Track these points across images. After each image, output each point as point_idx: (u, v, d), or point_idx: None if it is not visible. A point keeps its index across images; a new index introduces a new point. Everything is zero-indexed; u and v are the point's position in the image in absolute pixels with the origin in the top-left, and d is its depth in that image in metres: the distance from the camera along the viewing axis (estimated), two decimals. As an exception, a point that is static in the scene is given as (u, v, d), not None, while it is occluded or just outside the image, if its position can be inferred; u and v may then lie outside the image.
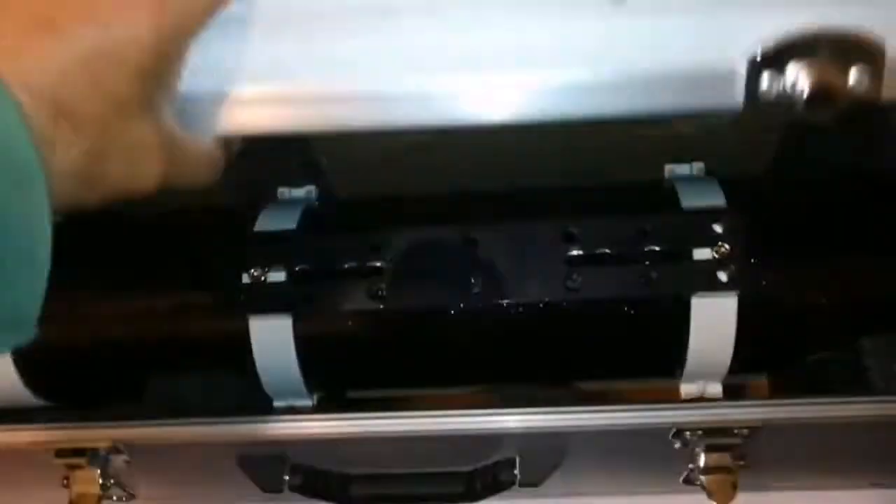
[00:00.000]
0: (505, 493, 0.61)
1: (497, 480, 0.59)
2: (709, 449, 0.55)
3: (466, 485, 0.61)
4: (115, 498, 0.61)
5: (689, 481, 0.60)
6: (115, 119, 0.32)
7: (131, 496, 0.62)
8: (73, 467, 0.57)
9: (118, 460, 0.58)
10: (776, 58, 0.38)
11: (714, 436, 0.55)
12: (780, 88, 0.38)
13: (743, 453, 0.56)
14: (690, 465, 0.56)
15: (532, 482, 0.58)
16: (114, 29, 0.32)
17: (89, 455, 0.56)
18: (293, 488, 0.60)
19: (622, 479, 0.66)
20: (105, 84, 0.32)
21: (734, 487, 0.55)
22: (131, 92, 0.33)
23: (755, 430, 0.53)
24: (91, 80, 0.31)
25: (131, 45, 0.32)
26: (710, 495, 0.55)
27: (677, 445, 0.56)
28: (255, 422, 0.57)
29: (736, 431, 0.53)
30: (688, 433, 0.55)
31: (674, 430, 0.55)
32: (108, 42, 0.32)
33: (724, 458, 0.56)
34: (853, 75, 0.38)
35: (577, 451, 0.59)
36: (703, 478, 0.56)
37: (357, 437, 0.57)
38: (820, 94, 0.38)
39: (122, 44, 0.32)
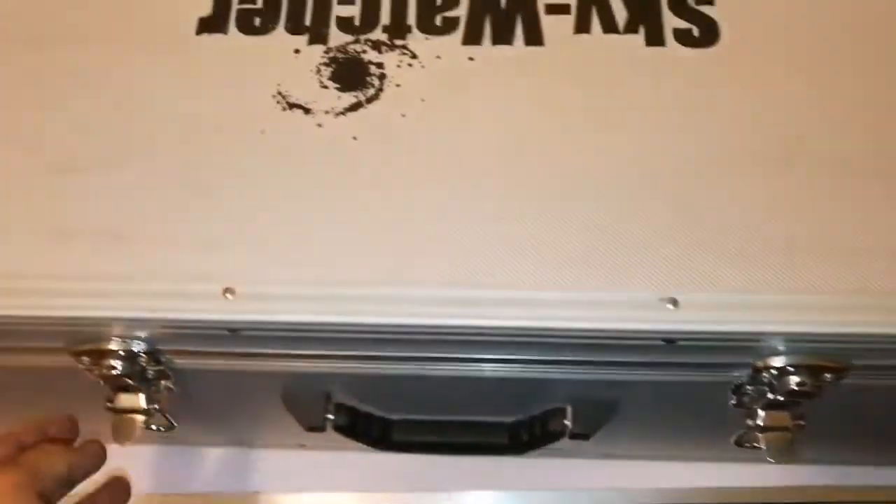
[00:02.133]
0: (548, 450, 0.59)
1: (546, 431, 0.58)
2: (768, 406, 0.54)
3: (512, 435, 0.59)
4: (154, 427, 0.60)
5: (741, 443, 0.59)
6: None
7: (171, 426, 0.61)
8: (119, 389, 0.56)
9: (163, 385, 0.57)
10: None
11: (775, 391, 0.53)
12: None
13: (802, 412, 0.54)
14: (749, 422, 0.55)
15: (584, 433, 0.57)
16: None
17: (137, 378, 0.55)
18: (336, 428, 0.59)
19: (670, 440, 0.65)
20: None
21: (793, 447, 0.54)
22: None
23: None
24: None
25: None
26: (768, 453, 0.54)
27: (733, 402, 0.55)
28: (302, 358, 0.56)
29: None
30: (748, 388, 0.53)
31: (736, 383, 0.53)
32: None
33: (783, 418, 0.54)
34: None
35: (630, 404, 0.57)
36: (760, 436, 0.54)
37: (402, 377, 0.55)
38: None
39: None
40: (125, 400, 0.57)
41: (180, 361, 0.55)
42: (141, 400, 0.57)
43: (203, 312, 0.50)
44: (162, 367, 0.55)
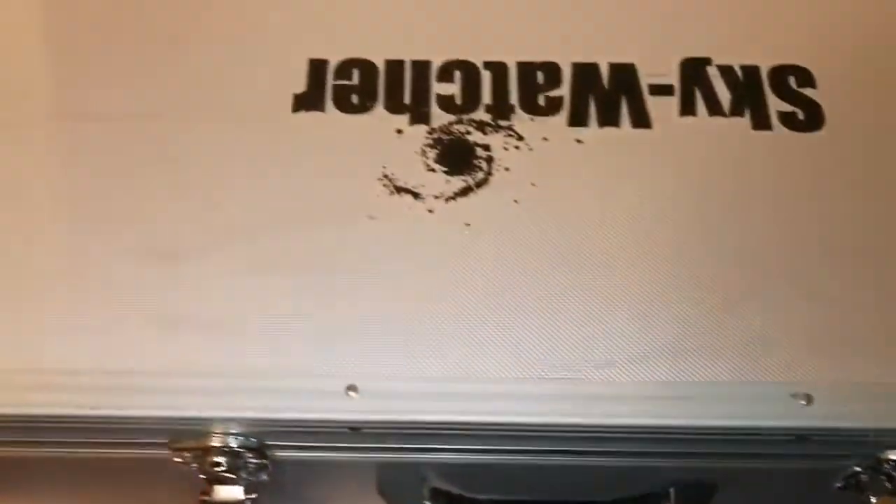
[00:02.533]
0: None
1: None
2: (881, 492, 0.53)
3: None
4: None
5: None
6: None
7: (263, 516, 0.59)
8: (216, 481, 0.54)
9: (261, 477, 0.55)
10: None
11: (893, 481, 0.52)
12: None
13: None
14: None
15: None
16: None
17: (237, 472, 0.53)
18: (432, 513, 0.57)
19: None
20: None
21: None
22: None
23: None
24: None
25: None
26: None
27: (839, 485, 0.54)
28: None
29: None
30: (863, 476, 0.53)
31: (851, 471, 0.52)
32: None
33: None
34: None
35: (732, 486, 0.56)
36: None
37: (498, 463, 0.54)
38: None
39: None
40: (222, 492, 0.55)
41: (282, 454, 0.53)
42: (238, 492, 0.55)
43: (326, 412, 0.48)
44: (265, 461, 0.53)
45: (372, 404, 0.48)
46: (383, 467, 0.56)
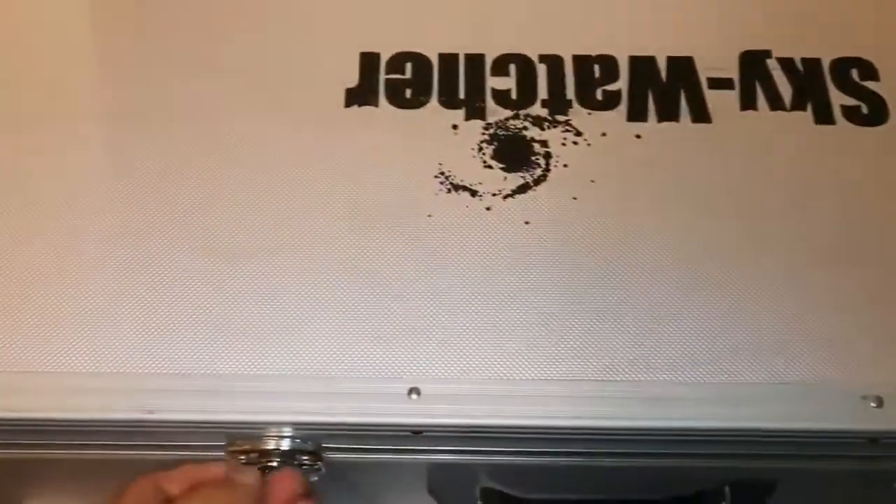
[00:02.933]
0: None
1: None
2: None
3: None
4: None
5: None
6: None
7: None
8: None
9: (314, 478, 0.54)
10: None
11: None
12: None
13: None
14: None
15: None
16: None
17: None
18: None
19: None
20: None
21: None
22: None
23: None
24: None
25: None
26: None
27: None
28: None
29: None
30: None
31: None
32: None
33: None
34: None
35: (790, 484, 0.55)
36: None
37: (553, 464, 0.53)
38: None
39: None
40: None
41: (336, 455, 0.53)
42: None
43: (388, 415, 0.47)
44: (319, 463, 0.52)
45: (435, 407, 0.47)
46: (435, 467, 0.56)
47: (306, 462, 0.52)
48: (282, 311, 0.50)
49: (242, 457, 0.51)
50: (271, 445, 0.50)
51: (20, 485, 0.65)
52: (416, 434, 0.49)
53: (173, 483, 0.48)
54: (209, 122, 0.57)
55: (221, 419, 0.48)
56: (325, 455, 0.52)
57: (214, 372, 0.48)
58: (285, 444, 0.50)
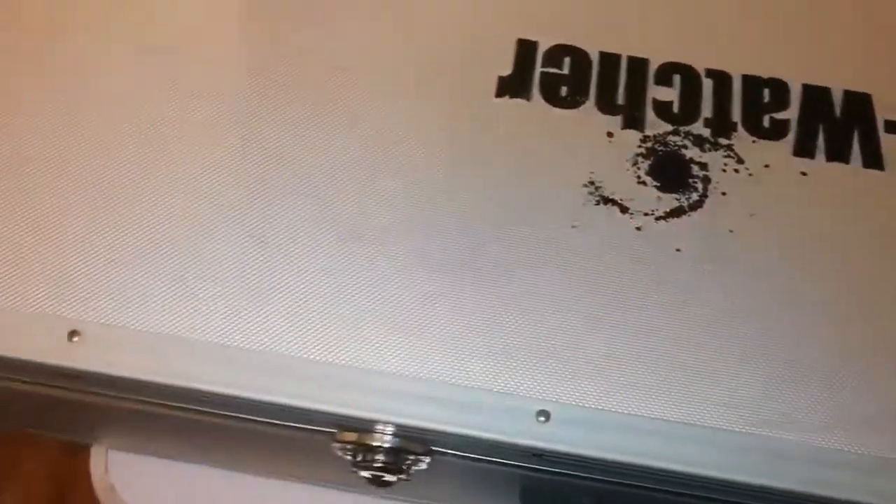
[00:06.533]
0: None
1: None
2: None
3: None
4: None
5: None
6: None
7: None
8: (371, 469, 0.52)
9: (414, 470, 0.52)
10: None
11: None
12: None
13: None
14: None
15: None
16: None
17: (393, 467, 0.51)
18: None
19: None
20: None
21: None
22: None
23: None
24: None
25: None
26: None
27: None
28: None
29: None
30: None
31: None
32: None
33: None
34: None
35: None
36: None
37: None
38: None
39: None
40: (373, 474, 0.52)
41: (443, 458, 0.51)
42: (390, 478, 0.52)
43: (513, 436, 0.45)
44: (424, 462, 0.51)
45: (563, 434, 0.45)
46: (535, 480, 0.54)
47: (409, 460, 0.50)
48: (409, 311, 0.47)
49: (348, 446, 0.50)
50: (383, 443, 0.48)
51: (95, 426, 0.65)
52: (537, 457, 0.46)
53: None
54: (353, 95, 0.54)
55: (332, 410, 0.46)
56: (433, 457, 0.50)
57: (343, 362, 0.46)
58: (398, 444, 0.48)
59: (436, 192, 0.51)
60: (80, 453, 1.15)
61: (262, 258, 0.48)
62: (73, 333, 0.46)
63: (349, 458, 0.51)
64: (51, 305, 0.46)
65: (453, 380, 0.46)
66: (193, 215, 0.49)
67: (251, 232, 0.49)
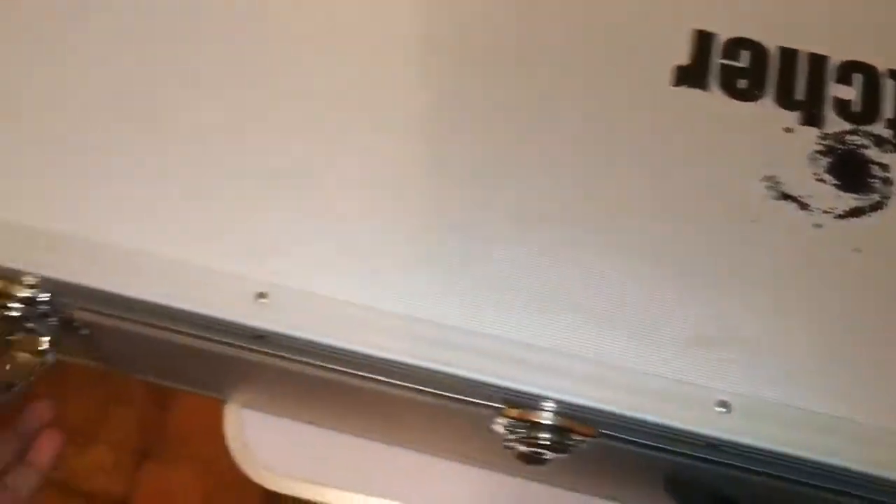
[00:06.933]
0: None
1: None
2: None
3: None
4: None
5: None
6: None
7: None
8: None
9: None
10: None
11: None
12: None
13: None
14: None
15: None
16: None
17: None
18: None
19: None
20: None
21: None
22: None
23: None
24: None
25: None
26: None
27: None
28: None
29: None
30: None
31: None
32: None
33: None
34: None
35: None
36: None
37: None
38: None
39: None
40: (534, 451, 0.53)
41: (606, 441, 0.51)
42: (549, 455, 0.53)
43: (693, 424, 0.46)
44: (585, 442, 0.51)
45: (744, 425, 0.45)
46: (689, 469, 0.54)
47: (573, 441, 0.51)
48: (599, 295, 0.48)
49: (516, 422, 0.50)
50: (553, 421, 0.49)
51: (245, 385, 0.66)
52: (712, 447, 0.47)
53: None
54: (532, 78, 0.54)
55: (505, 385, 0.47)
56: (596, 439, 0.50)
57: (529, 342, 0.47)
58: (565, 424, 0.49)
59: (610, 177, 0.51)
60: (169, 406, 1.18)
61: (459, 245, 0.49)
62: (260, 295, 0.48)
63: (507, 432, 0.52)
64: (243, 267, 0.48)
65: (637, 366, 0.46)
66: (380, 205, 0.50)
67: (453, 224, 0.50)
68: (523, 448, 0.52)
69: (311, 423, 0.69)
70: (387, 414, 0.61)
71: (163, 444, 1.18)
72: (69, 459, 1.13)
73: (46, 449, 0.52)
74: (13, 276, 0.49)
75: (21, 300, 0.49)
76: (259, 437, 0.70)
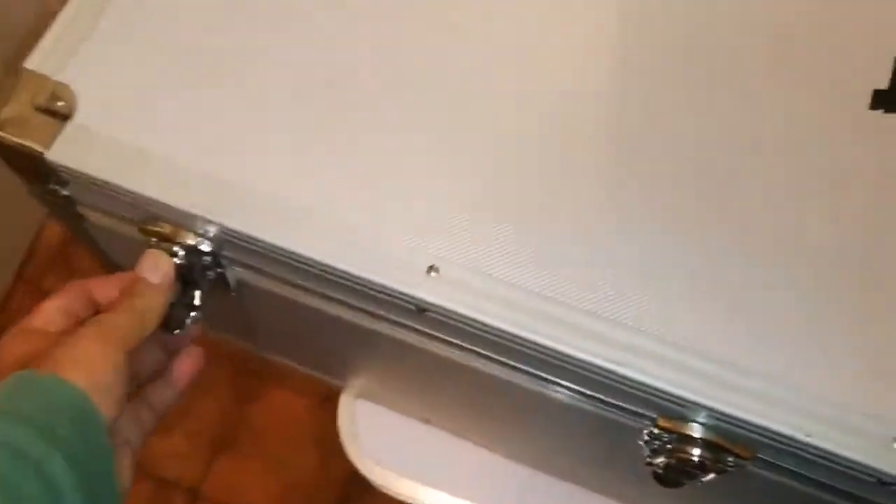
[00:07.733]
0: None
1: None
2: None
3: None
4: None
5: None
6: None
7: None
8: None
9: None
10: None
11: None
12: None
13: None
14: None
15: None
16: None
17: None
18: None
19: None
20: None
21: None
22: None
23: None
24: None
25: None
26: None
27: None
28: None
29: None
30: None
31: None
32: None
33: None
34: None
35: None
36: None
37: None
38: None
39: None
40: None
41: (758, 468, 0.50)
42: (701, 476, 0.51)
43: (870, 459, 0.44)
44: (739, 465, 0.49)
45: None
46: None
47: (724, 462, 0.49)
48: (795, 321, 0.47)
49: (665, 434, 0.49)
50: (695, 433, 0.47)
51: (359, 365, 0.66)
52: (883, 485, 0.45)
53: (103, 290, 0.48)
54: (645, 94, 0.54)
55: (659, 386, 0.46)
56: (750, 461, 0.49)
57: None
58: (711, 436, 0.47)
59: (792, 198, 0.50)
60: (251, 401, 1.18)
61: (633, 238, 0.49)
62: (431, 268, 0.47)
63: (655, 446, 0.50)
64: (416, 241, 0.48)
65: (817, 391, 0.45)
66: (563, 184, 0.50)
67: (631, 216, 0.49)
68: (669, 460, 0.51)
69: (426, 420, 0.68)
70: (517, 420, 0.60)
71: (240, 438, 1.18)
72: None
73: (187, 366, 0.51)
74: (187, 223, 0.49)
75: (187, 248, 0.50)
76: (369, 428, 0.70)
